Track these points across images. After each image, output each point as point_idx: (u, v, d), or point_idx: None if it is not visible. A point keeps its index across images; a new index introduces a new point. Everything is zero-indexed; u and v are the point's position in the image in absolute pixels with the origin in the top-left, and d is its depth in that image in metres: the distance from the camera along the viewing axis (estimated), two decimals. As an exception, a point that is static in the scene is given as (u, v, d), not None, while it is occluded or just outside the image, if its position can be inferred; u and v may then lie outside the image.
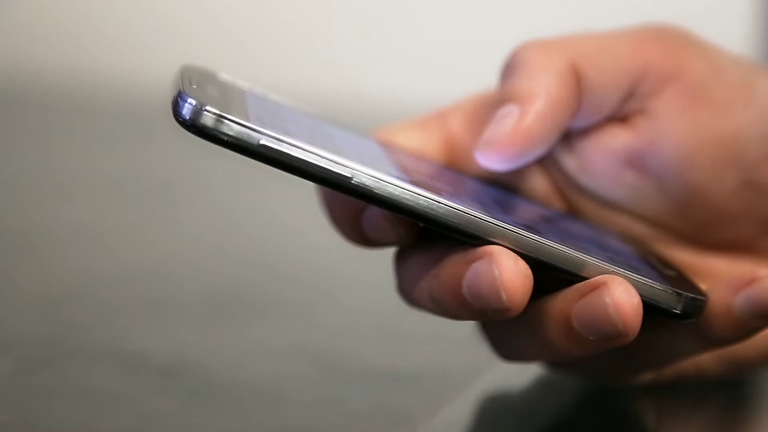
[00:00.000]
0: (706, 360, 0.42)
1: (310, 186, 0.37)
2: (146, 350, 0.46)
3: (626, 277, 0.36)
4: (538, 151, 0.41)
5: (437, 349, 0.48)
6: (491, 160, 0.40)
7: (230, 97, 0.37)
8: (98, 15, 1.26)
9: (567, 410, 0.43)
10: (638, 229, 0.42)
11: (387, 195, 0.36)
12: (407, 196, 0.36)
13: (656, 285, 0.37)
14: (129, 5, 1.26)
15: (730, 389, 0.44)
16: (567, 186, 0.43)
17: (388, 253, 0.42)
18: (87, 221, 0.68)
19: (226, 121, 0.34)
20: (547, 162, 0.43)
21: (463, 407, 0.42)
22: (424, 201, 0.36)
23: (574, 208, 0.43)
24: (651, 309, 0.37)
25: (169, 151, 0.92)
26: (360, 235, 0.39)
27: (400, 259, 0.40)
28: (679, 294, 0.37)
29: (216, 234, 0.67)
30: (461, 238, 0.36)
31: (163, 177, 0.83)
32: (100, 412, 0.40)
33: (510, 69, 0.42)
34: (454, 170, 0.43)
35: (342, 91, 1.09)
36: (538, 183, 0.43)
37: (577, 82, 0.41)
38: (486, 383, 0.44)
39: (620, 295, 0.35)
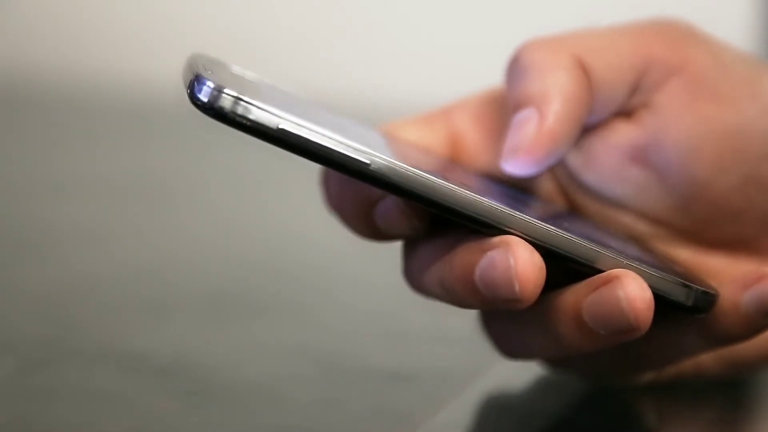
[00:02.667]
0: (706, 360, 0.42)
1: (310, 186, 0.37)
2: (146, 350, 0.46)
3: (639, 270, 0.36)
4: (563, 150, 0.41)
5: (437, 349, 0.48)
6: (520, 167, 0.40)
7: (244, 84, 0.37)
8: (98, 15, 1.26)
9: (567, 410, 0.43)
10: (640, 227, 0.42)
11: (406, 182, 0.35)
12: (426, 183, 0.35)
13: (668, 278, 0.37)
14: (129, 5, 1.26)
15: (730, 389, 0.44)
16: (569, 183, 0.43)
17: (388, 254, 0.42)
18: (87, 221, 0.68)
19: (244, 104, 0.34)
20: None
21: (463, 407, 0.42)
22: (444, 188, 0.36)
23: (575, 206, 0.43)
24: (663, 303, 0.37)
25: (169, 151, 0.92)
26: (371, 228, 0.39)
27: (409, 244, 0.40)
28: (690, 288, 0.37)
29: (216, 234, 0.67)
30: (477, 227, 0.36)
31: (163, 177, 0.83)
32: (100, 412, 0.40)
33: (517, 71, 0.41)
34: (460, 165, 0.43)
35: (342, 90, 1.09)
36: (541, 181, 0.43)
37: (587, 77, 0.41)
38: (486, 383, 0.44)
39: (633, 289, 0.35)
